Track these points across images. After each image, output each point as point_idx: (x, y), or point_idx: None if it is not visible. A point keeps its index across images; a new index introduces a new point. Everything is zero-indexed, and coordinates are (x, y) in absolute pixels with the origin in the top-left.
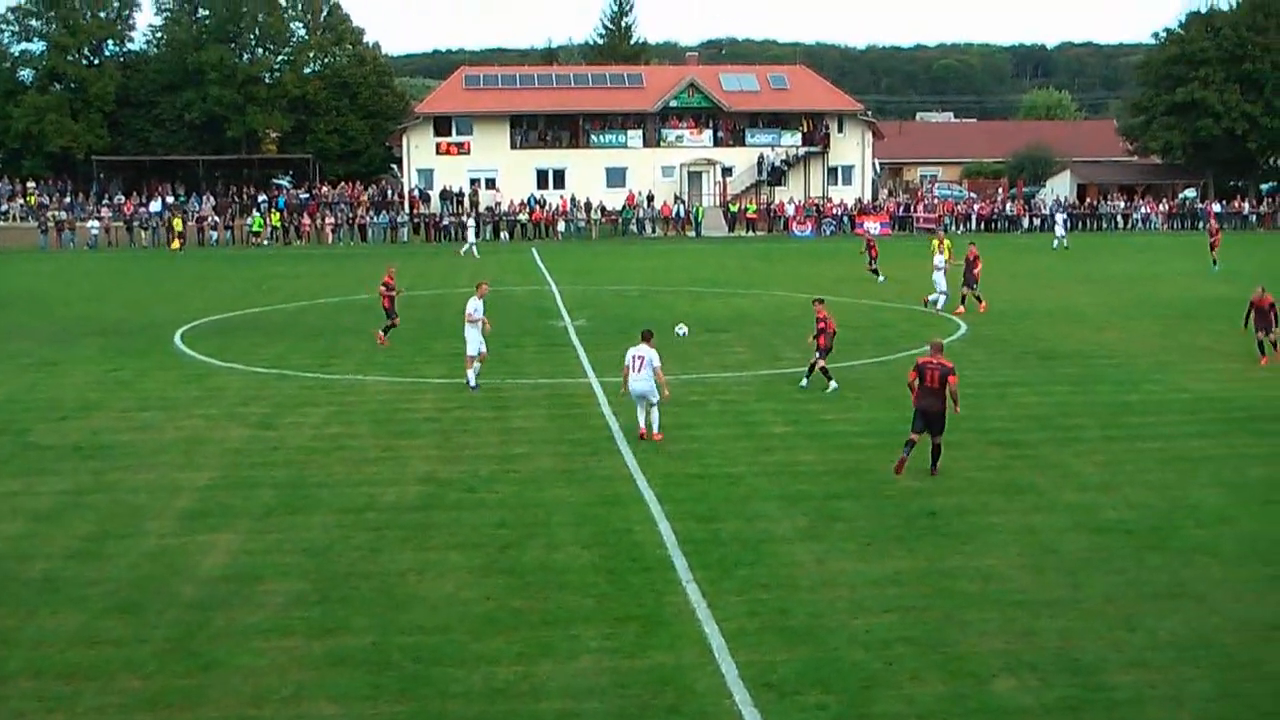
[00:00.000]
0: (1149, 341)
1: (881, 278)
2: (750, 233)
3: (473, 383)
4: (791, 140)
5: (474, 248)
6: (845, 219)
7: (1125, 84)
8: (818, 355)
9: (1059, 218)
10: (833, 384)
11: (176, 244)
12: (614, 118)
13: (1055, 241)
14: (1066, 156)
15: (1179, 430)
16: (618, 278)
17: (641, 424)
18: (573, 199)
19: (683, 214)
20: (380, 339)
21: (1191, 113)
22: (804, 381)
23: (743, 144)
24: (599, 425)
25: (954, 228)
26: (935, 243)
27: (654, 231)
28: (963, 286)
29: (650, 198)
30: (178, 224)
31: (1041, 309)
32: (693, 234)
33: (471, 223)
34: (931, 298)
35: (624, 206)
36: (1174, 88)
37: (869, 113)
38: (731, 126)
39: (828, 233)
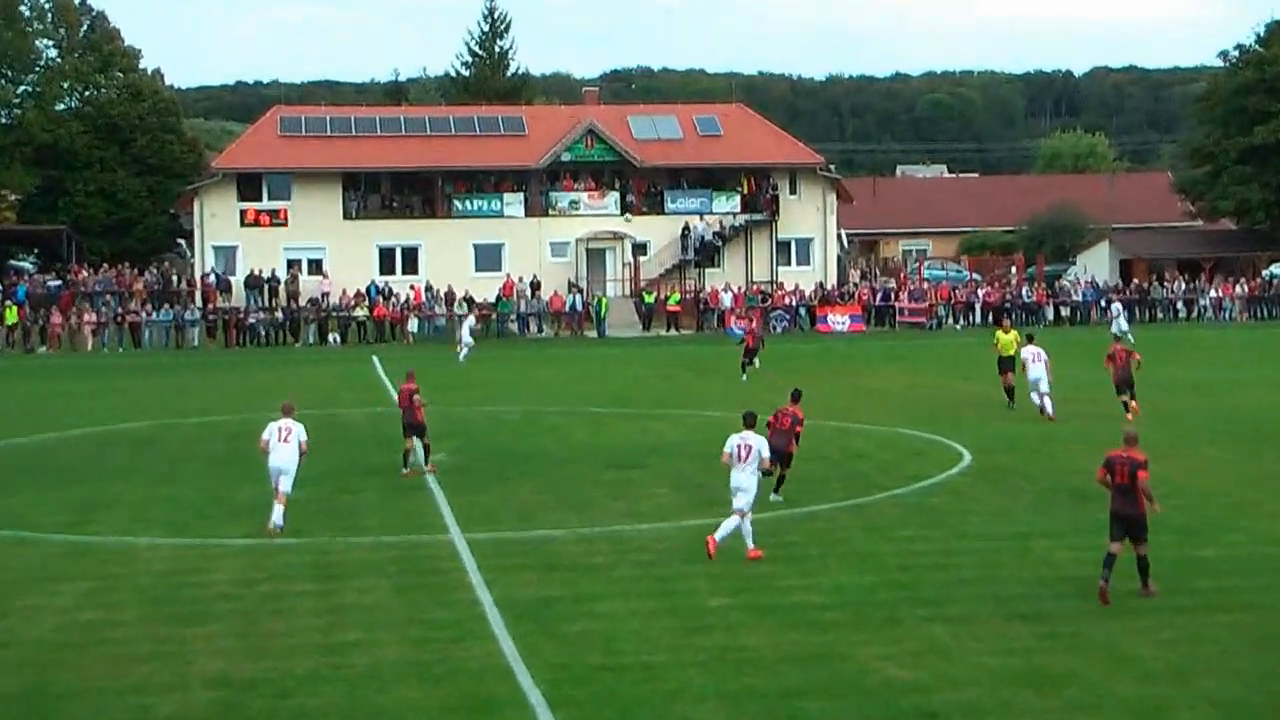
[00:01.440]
0: (1225, 474)
1: (744, 377)
2: (673, 331)
3: (278, 521)
4: (727, 205)
5: (468, 349)
6: (802, 311)
7: (1181, 123)
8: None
9: (1115, 307)
10: (776, 496)
11: None
12: (485, 177)
13: (1117, 336)
14: (1103, 223)
15: (1274, 598)
16: (491, 395)
17: (719, 534)
18: (428, 288)
19: (580, 307)
20: (430, 468)
21: (1275, 159)
22: (776, 494)
23: (661, 211)
24: (465, 599)
25: (950, 320)
26: (1006, 336)
27: (541, 331)
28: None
29: (536, 285)
30: None
31: (1072, 429)
32: (594, 333)
33: (471, 319)
34: (1036, 398)
35: (499, 297)
36: (1250, 126)
37: (831, 167)
38: (646, 188)
39: (778, 330)
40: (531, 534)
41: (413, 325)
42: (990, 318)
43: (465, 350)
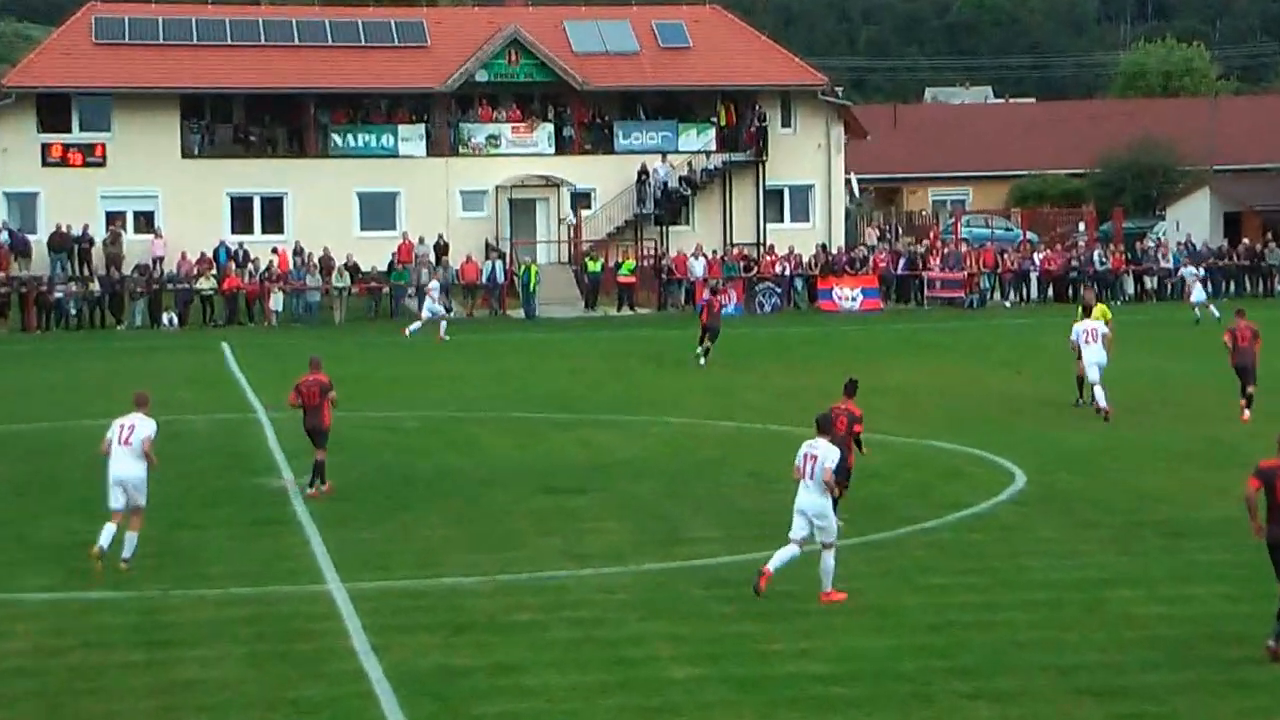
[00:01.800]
0: None
1: (703, 361)
2: (626, 310)
3: (104, 542)
4: (698, 142)
5: (429, 318)
6: (799, 284)
7: None
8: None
9: (1189, 274)
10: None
11: None
12: (374, 103)
13: (1195, 311)
14: (1203, 164)
15: None
16: (383, 396)
17: (773, 564)
18: (297, 251)
19: (501, 277)
20: (326, 489)
21: None
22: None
23: (610, 149)
24: (345, 671)
25: (996, 295)
26: (1089, 310)
27: (450, 309)
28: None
29: (442, 248)
30: None
31: (1157, 442)
32: (520, 313)
33: (436, 284)
34: (1094, 401)
35: (392, 265)
36: None
37: (838, 91)
38: (589, 117)
39: (766, 309)
40: (436, 582)
41: (276, 302)
42: (1051, 291)
43: (422, 324)
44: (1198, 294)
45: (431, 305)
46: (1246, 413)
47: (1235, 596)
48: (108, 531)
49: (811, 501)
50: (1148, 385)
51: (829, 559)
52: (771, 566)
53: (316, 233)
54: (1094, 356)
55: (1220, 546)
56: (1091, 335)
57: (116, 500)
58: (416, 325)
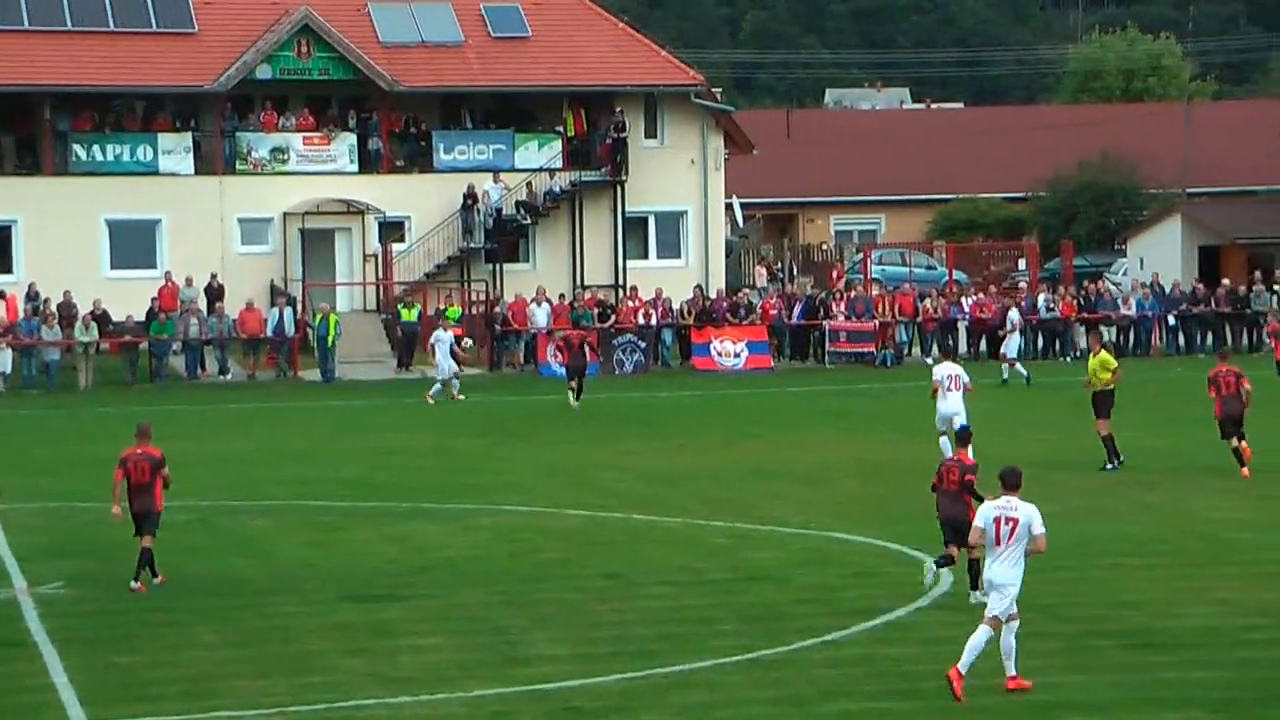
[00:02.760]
0: None
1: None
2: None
3: None
4: (540, 156)
5: (451, 383)
6: (668, 336)
7: None
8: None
9: (1012, 319)
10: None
11: None
12: (127, 105)
13: (1004, 369)
14: (1172, 186)
15: None
16: None
17: (963, 663)
18: (31, 296)
19: (292, 328)
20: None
21: None
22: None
23: (429, 167)
24: None
25: (915, 350)
26: (1097, 361)
27: (225, 371)
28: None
29: (216, 291)
30: None
31: (1120, 531)
32: (316, 374)
33: (449, 335)
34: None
35: (154, 313)
36: None
37: (717, 92)
38: (401, 126)
39: (627, 368)
40: (211, 717)
41: (3, 361)
42: (984, 344)
43: (442, 385)
44: (1011, 347)
45: (446, 366)
46: (1245, 469)
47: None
48: None
49: (1005, 573)
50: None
51: (1012, 637)
52: (964, 664)
53: (55, 272)
54: (951, 408)
55: (1194, 662)
56: (954, 383)
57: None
58: (438, 386)
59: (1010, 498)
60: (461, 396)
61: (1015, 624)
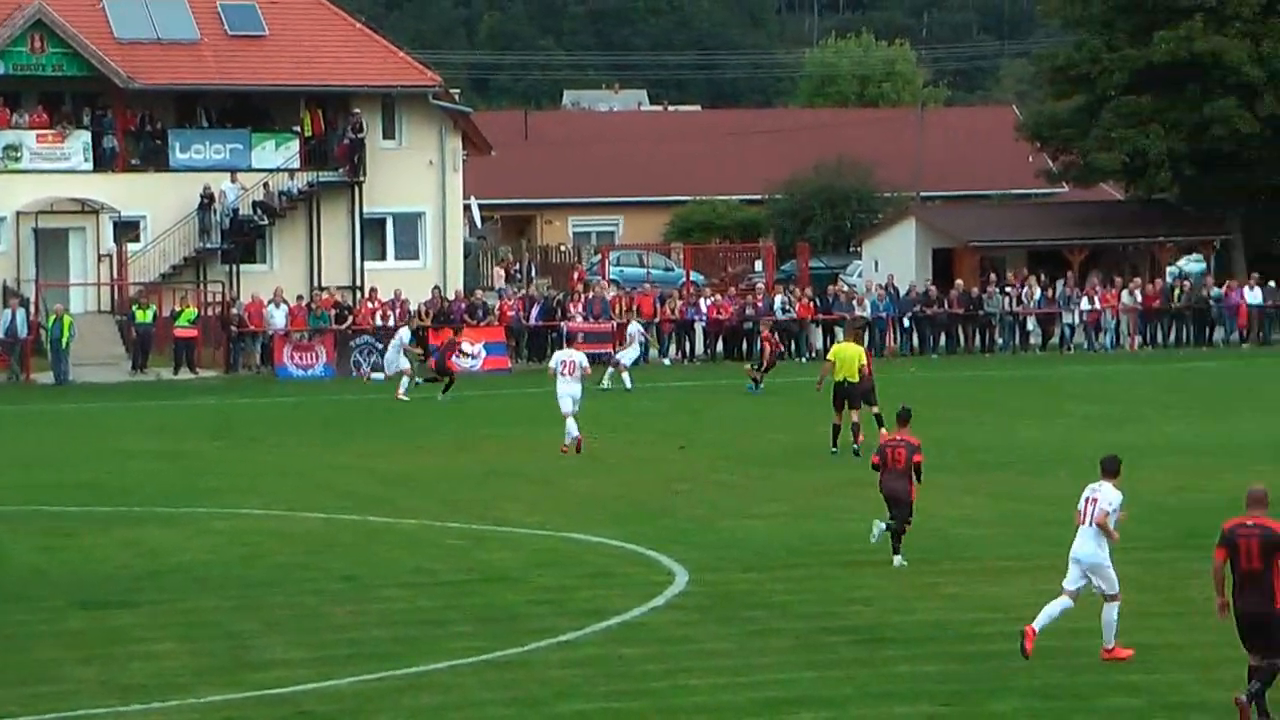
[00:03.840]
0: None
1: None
2: (186, 373)
3: None
4: (278, 156)
5: (393, 372)
6: (407, 336)
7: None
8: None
9: (634, 330)
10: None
11: None
12: None
13: (606, 377)
14: (906, 190)
15: None
16: None
17: (1039, 622)
18: None
19: (24, 330)
20: None
21: (1188, 86)
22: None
23: (165, 166)
24: None
25: (654, 351)
26: (846, 351)
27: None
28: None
29: None
30: None
31: (850, 531)
32: (48, 376)
33: (406, 331)
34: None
35: None
36: (1148, 31)
37: (455, 93)
38: (136, 124)
39: (365, 369)
40: None
41: None
42: (721, 345)
43: (389, 374)
44: (630, 355)
45: (396, 360)
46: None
47: (943, 716)
48: None
49: (1086, 550)
50: (851, 460)
51: (1111, 612)
52: (1038, 624)
53: None
54: (568, 389)
55: (925, 656)
56: (570, 369)
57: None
58: (404, 384)
59: (1103, 481)
60: (405, 398)
61: (1116, 603)
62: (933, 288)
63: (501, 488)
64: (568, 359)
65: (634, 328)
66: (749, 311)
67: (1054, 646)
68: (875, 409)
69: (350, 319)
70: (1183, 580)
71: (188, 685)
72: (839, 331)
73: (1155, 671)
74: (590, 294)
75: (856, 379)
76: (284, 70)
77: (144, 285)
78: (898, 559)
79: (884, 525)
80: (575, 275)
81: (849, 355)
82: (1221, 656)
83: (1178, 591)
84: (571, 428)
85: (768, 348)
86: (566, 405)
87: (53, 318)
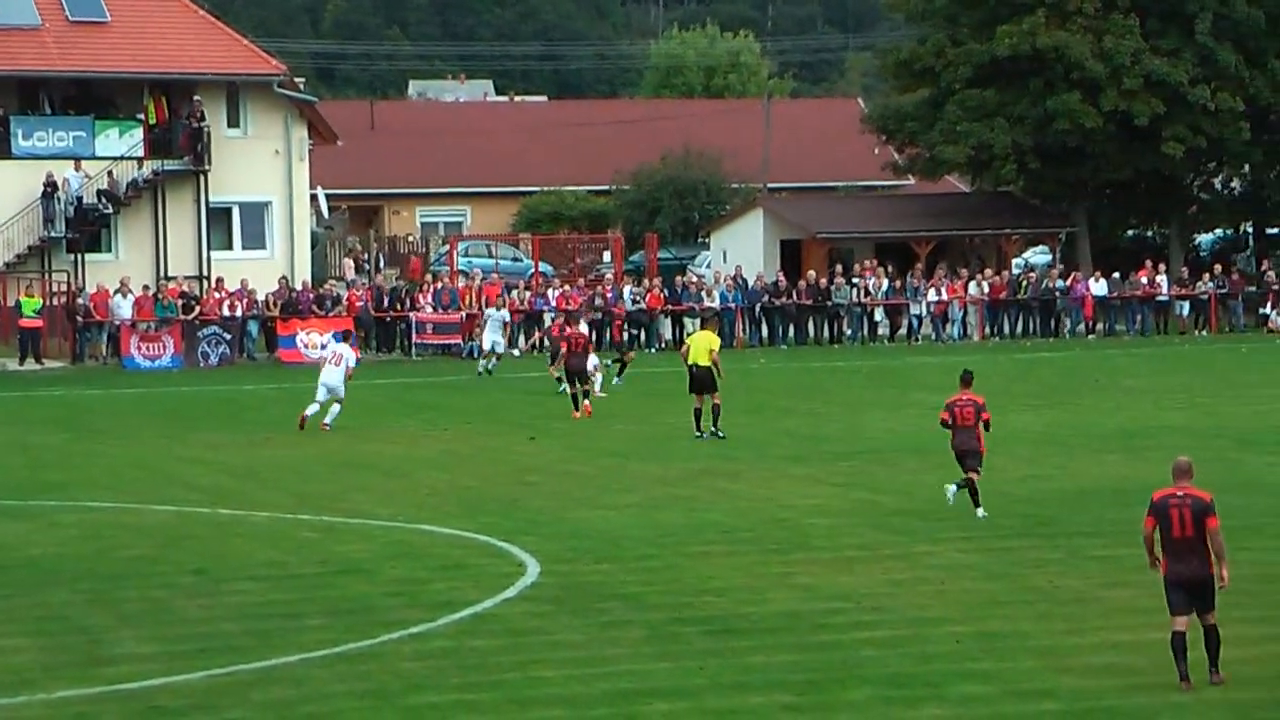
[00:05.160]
0: None
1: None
2: (32, 364)
3: None
4: (122, 144)
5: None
6: (253, 329)
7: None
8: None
9: (490, 315)
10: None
11: None
12: None
13: (481, 362)
14: (753, 181)
15: None
16: None
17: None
18: None
19: None
20: None
21: (1032, 80)
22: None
23: (8, 153)
24: None
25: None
26: (699, 339)
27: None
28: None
29: None
30: None
31: (704, 520)
32: None
33: (503, 314)
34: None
35: None
36: (991, 25)
37: (301, 83)
38: None
39: (213, 361)
40: None
41: None
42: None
43: (494, 359)
44: (492, 335)
45: (497, 340)
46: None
47: (797, 706)
48: None
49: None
50: (703, 451)
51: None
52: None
53: None
54: (328, 378)
55: (779, 646)
56: (336, 359)
57: None
58: (493, 361)
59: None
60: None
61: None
62: (781, 278)
63: (353, 479)
64: (337, 350)
65: (490, 314)
66: (598, 302)
67: (905, 635)
68: (716, 399)
69: (197, 309)
70: (1031, 568)
71: (38, 681)
72: (689, 323)
73: (1005, 659)
74: (439, 284)
75: (706, 363)
76: (126, 57)
77: None
78: (980, 510)
79: (955, 486)
80: (422, 265)
81: (699, 342)
82: (1070, 644)
83: (1026, 579)
84: (313, 409)
85: (564, 346)
86: (321, 394)
87: None
